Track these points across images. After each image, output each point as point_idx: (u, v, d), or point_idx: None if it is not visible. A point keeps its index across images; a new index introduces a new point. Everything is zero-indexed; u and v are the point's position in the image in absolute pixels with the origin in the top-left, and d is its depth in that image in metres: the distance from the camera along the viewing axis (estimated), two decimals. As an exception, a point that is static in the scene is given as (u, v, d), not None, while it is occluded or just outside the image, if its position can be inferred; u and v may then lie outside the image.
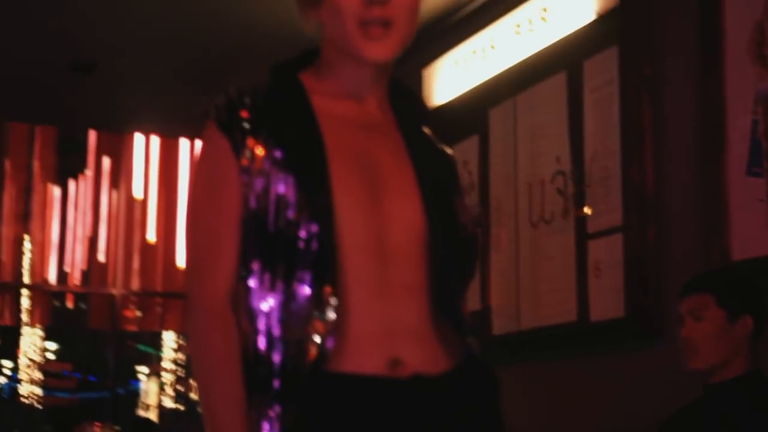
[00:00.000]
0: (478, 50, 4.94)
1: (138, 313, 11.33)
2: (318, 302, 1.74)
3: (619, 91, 3.99)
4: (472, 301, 4.64)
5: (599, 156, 4.09)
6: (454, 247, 1.85)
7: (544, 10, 4.46)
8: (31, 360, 12.26)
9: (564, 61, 4.36)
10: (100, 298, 10.91)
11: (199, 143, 9.40)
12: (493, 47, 4.83)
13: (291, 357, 1.74)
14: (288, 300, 1.75)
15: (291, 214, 1.76)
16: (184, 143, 9.46)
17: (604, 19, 4.11)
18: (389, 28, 1.81)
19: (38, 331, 12.85)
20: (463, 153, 5.03)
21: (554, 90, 4.41)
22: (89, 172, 10.74)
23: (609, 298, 4.00)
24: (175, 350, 12.30)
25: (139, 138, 9.41)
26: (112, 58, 6.36)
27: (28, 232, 10.94)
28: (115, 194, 10.62)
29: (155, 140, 9.41)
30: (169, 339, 12.28)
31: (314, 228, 1.75)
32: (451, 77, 5.16)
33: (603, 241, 4.06)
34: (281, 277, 1.76)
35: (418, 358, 1.77)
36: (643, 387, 3.82)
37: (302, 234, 1.75)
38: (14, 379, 12.45)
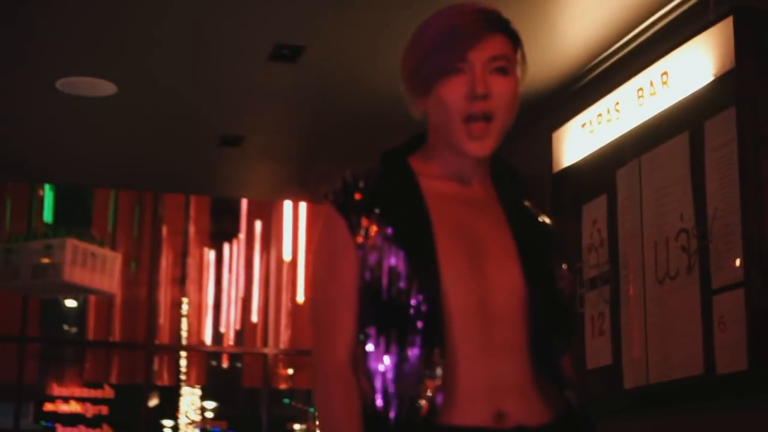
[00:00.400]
0: (603, 113, 5.10)
1: (290, 371, 11.62)
2: (428, 363, 1.92)
3: (738, 150, 4.09)
4: (604, 356, 4.79)
5: (720, 213, 4.19)
6: (552, 309, 2.03)
7: (665, 74, 4.60)
8: (190, 419, 12.71)
9: (685, 122, 4.46)
10: (253, 357, 11.26)
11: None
12: (618, 110, 4.98)
13: (405, 412, 1.92)
14: (401, 361, 1.94)
15: (402, 284, 1.95)
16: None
17: (721, 80, 4.21)
18: (490, 121, 2.00)
19: (197, 391, 13.29)
20: (592, 212, 5.19)
21: (677, 150, 4.53)
22: (242, 236, 11.15)
23: (734, 351, 4.08)
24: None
25: (287, 205, 9.75)
26: (258, 132, 6.62)
27: (185, 295, 11.39)
28: (266, 256, 11.00)
29: (303, 206, 9.74)
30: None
31: (422, 297, 1.94)
32: (579, 140, 5.32)
33: (726, 296, 4.14)
34: (395, 341, 1.95)
35: (520, 410, 1.95)
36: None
37: (412, 302, 1.95)
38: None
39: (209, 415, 12.87)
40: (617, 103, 4.97)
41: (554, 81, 5.50)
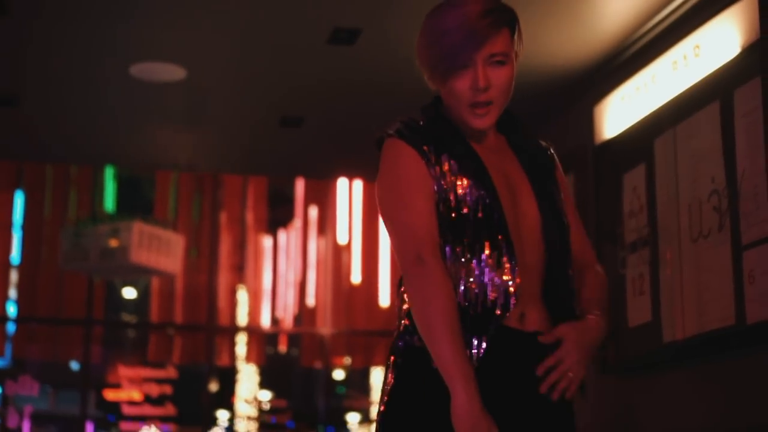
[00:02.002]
0: (641, 86, 5.43)
1: (346, 360, 11.95)
2: (499, 268, 2.37)
3: (763, 115, 4.39)
4: (645, 314, 5.12)
5: (748, 174, 4.51)
6: (560, 230, 2.50)
7: (697, 47, 4.92)
8: (249, 399, 13.11)
9: (717, 91, 4.78)
10: (310, 338, 11.59)
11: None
12: (654, 83, 5.31)
13: (482, 308, 2.35)
14: (482, 264, 2.37)
15: (471, 202, 2.39)
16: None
17: (748, 51, 4.53)
18: (490, 106, 2.45)
19: (254, 372, 13.66)
20: (632, 180, 5.52)
21: (710, 118, 4.84)
22: (298, 222, 11.49)
23: (762, 302, 4.39)
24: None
25: (342, 183, 10.07)
26: (319, 113, 6.98)
27: (243, 281, 11.75)
28: (321, 241, 11.33)
29: (358, 184, 10.06)
30: (377, 376, 12.89)
31: (491, 215, 2.38)
32: (619, 112, 5.65)
33: (755, 251, 4.45)
34: (469, 250, 2.38)
35: (535, 317, 2.42)
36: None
37: (480, 215, 2.39)
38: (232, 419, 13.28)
39: (267, 395, 13.23)
40: (653, 76, 5.30)
41: (595, 58, 5.82)
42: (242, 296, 11.86)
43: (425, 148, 2.43)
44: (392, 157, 2.46)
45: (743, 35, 4.57)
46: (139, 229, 9.70)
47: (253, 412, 13.01)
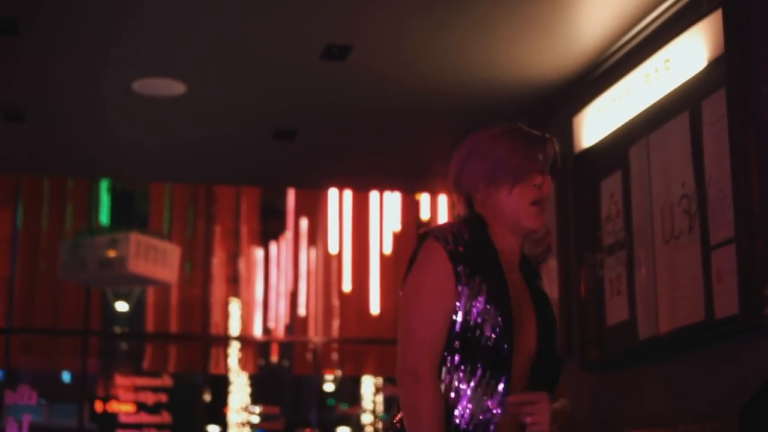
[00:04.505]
0: (616, 98, 5.74)
1: (338, 372, 12.12)
2: (493, 392, 2.54)
3: (728, 124, 4.69)
4: (622, 313, 5.41)
5: (715, 179, 4.81)
6: (552, 365, 2.70)
7: (667, 60, 5.23)
8: (242, 406, 13.33)
9: (686, 102, 5.08)
10: (302, 346, 11.80)
11: (392, 197, 10.22)
12: (628, 94, 5.62)
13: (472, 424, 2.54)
14: (476, 386, 2.54)
15: (487, 327, 2.55)
16: (374, 196, 10.32)
17: (714, 64, 4.82)
18: (544, 205, 2.74)
19: (246, 381, 13.87)
20: (609, 187, 5.82)
21: (680, 127, 5.13)
22: (289, 234, 11.70)
23: (728, 298, 4.67)
24: (374, 393, 13.13)
25: (333, 193, 10.31)
26: (312, 126, 7.22)
27: (237, 292, 11.97)
28: (312, 252, 11.56)
29: (348, 194, 10.30)
30: (368, 384, 13.09)
31: (502, 343, 2.55)
32: (596, 122, 5.95)
33: (722, 251, 4.73)
34: (471, 369, 2.54)
35: None
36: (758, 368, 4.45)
37: (490, 343, 2.54)
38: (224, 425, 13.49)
39: (257, 408, 13.44)
40: (628, 89, 5.61)
41: (573, 72, 6.14)
42: (235, 308, 12.07)
43: (461, 266, 2.57)
44: (428, 261, 2.61)
45: (709, 50, 4.87)
46: (136, 239, 9.96)
47: (246, 421, 13.23)
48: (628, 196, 5.63)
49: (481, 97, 6.39)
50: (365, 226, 10.61)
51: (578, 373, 5.91)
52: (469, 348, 2.54)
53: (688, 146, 5.07)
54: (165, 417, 12.82)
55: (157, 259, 10.20)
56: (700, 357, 4.97)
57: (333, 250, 10.97)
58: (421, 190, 9.55)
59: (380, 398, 13.29)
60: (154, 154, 7.97)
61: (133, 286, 10.63)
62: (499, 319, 2.55)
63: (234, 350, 11.99)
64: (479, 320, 2.54)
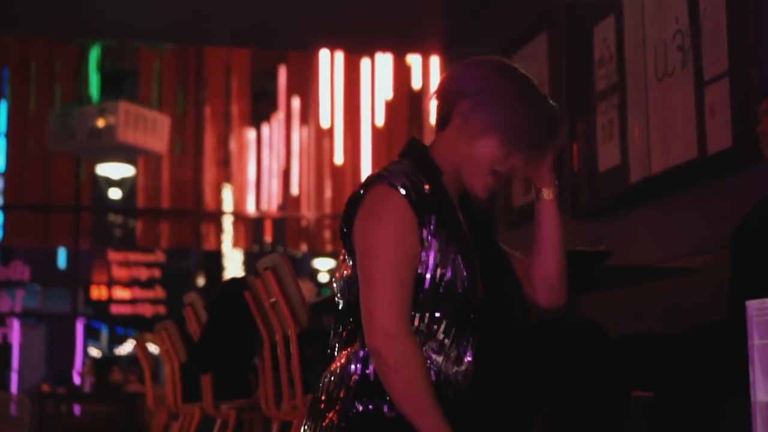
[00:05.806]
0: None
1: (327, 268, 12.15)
2: (464, 344, 2.44)
3: (724, -45, 4.62)
4: (614, 157, 5.36)
5: (709, 13, 4.74)
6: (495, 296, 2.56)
7: None
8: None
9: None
10: (295, 223, 11.82)
11: (383, 62, 10.13)
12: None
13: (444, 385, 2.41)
14: (450, 342, 2.41)
15: (458, 282, 2.41)
16: (365, 64, 10.24)
17: None
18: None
19: (240, 255, 13.91)
20: (602, 32, 5.74)
21: (674, -37, 5.07)
22: (281, 113, 11.65)
23: (721, 133, 4.65)
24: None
25: (324, 54, 10.19)
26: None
27: (228, 176, 11.95)
28: (305, 130, 11.53)
29: (339, 57, 10.19)
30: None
31: (470, 291, 2.43)
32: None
33: (716, 86, 4.68)
34: (438, 323, 2.41)
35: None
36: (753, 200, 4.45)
37: (458, 290, 2.41)
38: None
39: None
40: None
41: None
42: (227, 192, 12.08)
43: (428, 217, 2.42)
44: (391, 213, 2.40)
45: None
46: (125, 108, 9.90)
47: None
48: (621, 38, 5.55)
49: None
50: (356, 96, 10.55)
51: (570, 220, 5.88)
52: (440, 302, 2.41)
53: (683, -19, 4.97)
54: (158, 292, 12.90)
55: (147, 129, 10.16)
56: (692, 194, 4.95)
57: (325, 124, 10.94)
58: (414, 50, 9.40)
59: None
60: (145, 12, 7.85)
61: (122, 156, 10.58)
62: (465, 272, 2.42)
63: (227, 226, 12.03)
64: (449, 274, 2.40)
